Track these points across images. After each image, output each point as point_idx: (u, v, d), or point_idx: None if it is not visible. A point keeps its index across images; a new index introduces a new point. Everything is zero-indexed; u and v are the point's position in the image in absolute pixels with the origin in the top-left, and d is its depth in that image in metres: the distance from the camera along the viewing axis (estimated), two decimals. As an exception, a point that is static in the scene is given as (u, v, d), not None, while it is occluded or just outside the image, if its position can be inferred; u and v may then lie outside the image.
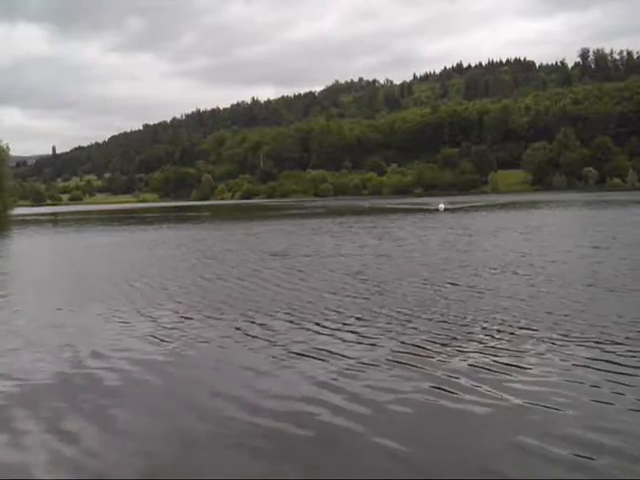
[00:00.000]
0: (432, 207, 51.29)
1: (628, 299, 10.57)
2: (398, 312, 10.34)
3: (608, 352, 7.47)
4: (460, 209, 50.36)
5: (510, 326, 9.08)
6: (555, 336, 8.34)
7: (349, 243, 23.32)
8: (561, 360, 7.29)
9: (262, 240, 26.89)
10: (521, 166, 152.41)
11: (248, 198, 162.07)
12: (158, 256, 21.75)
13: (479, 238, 23.26)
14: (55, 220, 65.17)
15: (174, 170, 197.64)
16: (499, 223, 32.23)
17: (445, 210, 47.87)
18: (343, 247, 21.75)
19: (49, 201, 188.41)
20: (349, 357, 7.73)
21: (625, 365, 6.98)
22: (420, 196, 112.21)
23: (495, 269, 14.80)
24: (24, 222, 60.61)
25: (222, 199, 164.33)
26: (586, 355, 7.44)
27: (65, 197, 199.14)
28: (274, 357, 7.96)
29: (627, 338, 8.05)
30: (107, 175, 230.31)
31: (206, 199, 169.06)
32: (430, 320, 9.65)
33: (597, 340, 8.04)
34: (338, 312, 10.56)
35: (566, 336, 8.31)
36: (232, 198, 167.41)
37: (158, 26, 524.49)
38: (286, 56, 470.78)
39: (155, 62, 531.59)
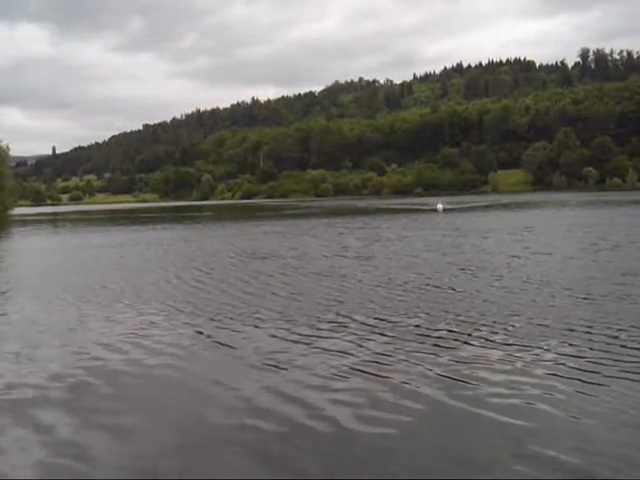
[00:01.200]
0: (431, 207, 51.03)
1: (591, 305, 10.37)
2: (362, 316, 10.25)
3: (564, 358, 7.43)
4: (459, 209, 50.15)
5: (459, 326, 9.22)
6: (491, 337, 8.47)
7: (334, 244, 23.25)
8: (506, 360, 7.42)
9: (249, 241, 26.94)
10: (521, 166, 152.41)
11: (248, 198, 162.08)
12: (142, 257, 21.83)
13: (466, 239, 23.17)
14: (53, 220, 65.25)
15: (174, 170, 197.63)
16: (492, 224, 32.16)
17: (444, 210, 47.58)
18: (325, 249, 21.65)
19: (49, 201, 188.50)
20: (305, 367, 7.56)
21: (590, 371, 6.95)
22: (420, 196, 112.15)
23: (470, 271, 14.68)
24: (23, 222, 60.77)
25: (222, 199, 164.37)
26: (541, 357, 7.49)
27: (65, 197, 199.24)
28: (224, 361, 8.06)
29: (571, 344, 8.01)
30: (107, 175, 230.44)
31: (206, 199, 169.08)
32: (393, 324, 9.57)
33: (545, 344, 8.02)
34: (298, 316, 10.53)
35: (508, 336, 8.48)
36: (232, 198, 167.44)
37: (159, 26, 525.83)
38: (287, 56, 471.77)
39: (156, 62, 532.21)
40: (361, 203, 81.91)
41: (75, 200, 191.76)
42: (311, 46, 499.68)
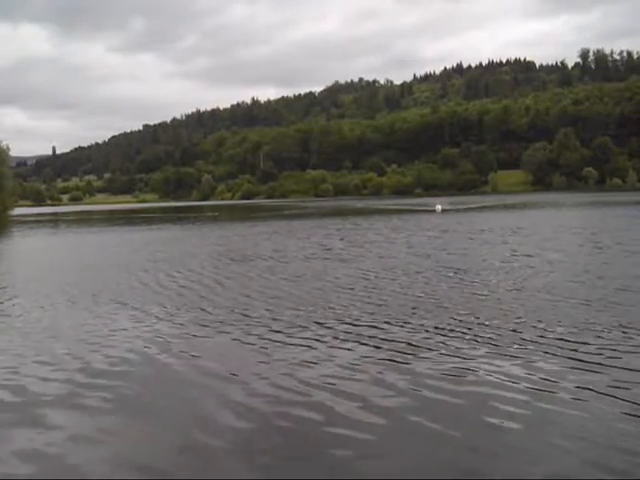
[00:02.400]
0: (429, 208, 50.80)
1: (558, 309, 10.25)
2: (324, 319, 10.33)
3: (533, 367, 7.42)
4: (457, 210, 49.84)
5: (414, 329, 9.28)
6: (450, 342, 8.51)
7: (317, 246, 23.23)
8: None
9: (235, 242, 27.06)
10: (521, 166, 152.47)
11: (248, 198, 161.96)
12: (125, 258, 22.07)
13: (453, 241, 23.20)
14: (49, 221, 65.23)
15: (174, 170, 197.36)
16: (484, 225, 32.11)
17: (442, 211, 47.25)
18: (307, 250, 21.63)
19: (49, 201, 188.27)
20: (260, 373, 7.60)
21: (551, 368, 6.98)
22: (420, 196, 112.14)
23: (446, 274, 14.66)
24: (22, 223, 60.93)
25: (222, 199, 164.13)
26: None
27: (65, 197, 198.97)
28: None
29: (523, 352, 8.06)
30: (107, 175, 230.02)
31: (206, 199, 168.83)
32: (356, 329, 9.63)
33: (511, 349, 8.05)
34: (264, 319, 10.62)
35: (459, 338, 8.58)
36: (232, 198, 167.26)
37: (160, 27, 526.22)
38: (287, 57, 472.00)
39: (156, 62, 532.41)
40: (358, 204, 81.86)
41: (75, 200, 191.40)
42: (311, 46, 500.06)
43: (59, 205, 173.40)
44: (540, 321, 9.40)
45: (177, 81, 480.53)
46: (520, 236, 24.12)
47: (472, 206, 56.30)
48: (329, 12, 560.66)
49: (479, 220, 37.10)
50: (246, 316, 10.84)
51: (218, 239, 29.48)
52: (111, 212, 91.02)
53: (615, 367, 7.06)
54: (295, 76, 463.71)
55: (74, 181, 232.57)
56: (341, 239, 26.06)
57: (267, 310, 11.26)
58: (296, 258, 19.36)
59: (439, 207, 48.89)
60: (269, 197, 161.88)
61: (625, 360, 7.27)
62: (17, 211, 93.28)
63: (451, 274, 14.59)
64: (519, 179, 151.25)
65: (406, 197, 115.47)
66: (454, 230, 29.02)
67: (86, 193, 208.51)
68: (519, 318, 9.68)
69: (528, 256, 17.30)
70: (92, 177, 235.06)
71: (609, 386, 6.48)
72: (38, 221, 63.13)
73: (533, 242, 21.48)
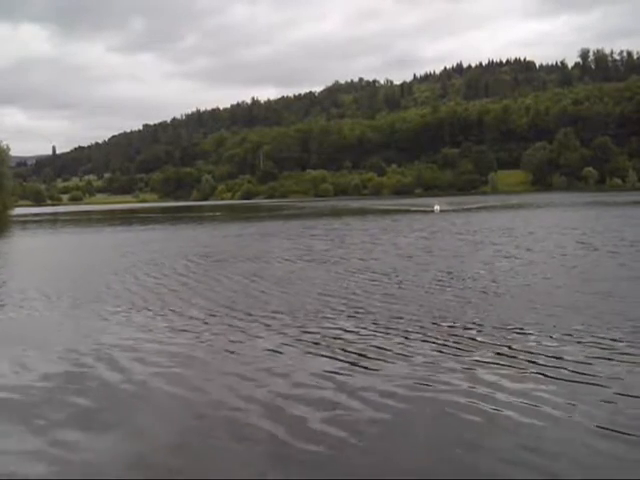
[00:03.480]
0: (427, 209, 50.63)
1: (534, 314, 10.00)
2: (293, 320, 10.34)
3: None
4: (455, 211, 49.58)
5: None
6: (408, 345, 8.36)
7: (302, 248, 23.09)
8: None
9: (220, 244, 27.08)
10: (521, 166, 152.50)
11: (248, 198, 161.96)
12: (111, 259, 22.31)
13: (438, 242, 23.09)
14: (48, 220, 65.43)
15: (174, 170, 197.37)
16: (477, 225, 31.96)
17: (441, 211, 46.95)
18: (290, 252, 21.48)
19: (49, 201, 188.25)
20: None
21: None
22: (420, 196, 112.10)
23: (421, 276, 14.52)
24: (21, 222, 61.17)
25: (222, 199, 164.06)
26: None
27: (65, 197, 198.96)
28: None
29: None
30: (107, 175, 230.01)
31: (206, 199, 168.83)
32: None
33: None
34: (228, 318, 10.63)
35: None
36: (232, 198, 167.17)
37: (160, 27, 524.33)
38: (287, 57, 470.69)
39: (157, 62, 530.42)
40: (355, 204, 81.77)
41: (75, 200, 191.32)
42: (312, 46, 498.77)
43: (59, 205, 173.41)
44: (502, 324, 9.27)
45: (177, 81, 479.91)
46: (509, 237, 23.97)
47: (471, 206, 55.96)
48: (330, 12, 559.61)
49: (474, 220, 36.95)
50: (212, 316, 10.80)
51: (205, 239, 29.63)
52: (108, 212, 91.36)
53: (588, 375, 6.95)
54: (295, 76, 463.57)
55: (74, 181, 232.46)
56: (329, 240, 25.94)
57: (231, 313, 11.17)
58: (276, 260, 19.19)
59: (437, 207, 48.54)
60: (269, 197, 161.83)
61: (600, 369, 7.15)
62: (17, 211, 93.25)
63: (429, 276, 14.42)
64: (519, 179, 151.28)
65: (406, 197, 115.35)
66: (445, 231, 28.89)
67: (86, 193, 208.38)
68: (482, 321, 9.57)
69: (511, 257, 17.11)
70: (92, 177, 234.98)
71: (583, 396, 6.36)
72: (36, 221, 63.32)
73: (520, 243, 21.33)
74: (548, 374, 6.92)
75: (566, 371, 6.99)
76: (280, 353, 8.33)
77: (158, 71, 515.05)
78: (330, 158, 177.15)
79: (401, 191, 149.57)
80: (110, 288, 14.74)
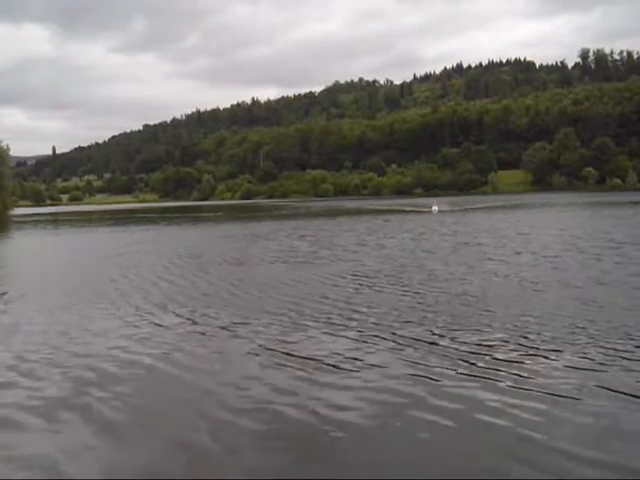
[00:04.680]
0: (424, 209, 50.29)
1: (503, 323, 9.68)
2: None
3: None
4: (452, 211, 49.18)
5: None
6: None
7: (286, 249, 22.90)
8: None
9: (205, 245, 27.07)
10: (521, 166, 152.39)
11: (248, 198, 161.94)
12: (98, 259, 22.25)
13: (423, 243, 22.90)
14: (46, 221, 65.34)
15: (174, 170, 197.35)
16: (469, 226, 31.60)
17: (439, 212, 46.52)
18: (272, 253, 21.27)
19: (49, 201, 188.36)
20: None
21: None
22: (420, 196, 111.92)
23: (396, 279, 14.34)
24: (19, 222, 61.30)
25: (222, 199, 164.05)
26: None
27: (65, 197, 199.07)
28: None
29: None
30: (107, 175, 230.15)
31: (206, 199, 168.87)
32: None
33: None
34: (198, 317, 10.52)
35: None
36: (232, 198, 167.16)
37: (161, 27, 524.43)
38: (288, 57, 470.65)
39: (157, 63, 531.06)
40: (352, 204, 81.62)
41: (75, 200, 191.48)
42: (312, 47, 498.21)
43: (59, 205, 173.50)
44: (459, 328, 9.16)
45: (178, 81, 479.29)
46: (498, 238, 23.74)
47: (470, 207, 55.39)
48: (331, 12, 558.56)
49: (467, 221, 36.57)
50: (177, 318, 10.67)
51: (194, 241, 29.72)
52: (106, 212, 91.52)
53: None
54: (295, 76, 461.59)
55: (74, 181, 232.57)
56: (314, 242, 25.77)
57: (198, 313, 11.07)
58: (256, 262, 19.00)
59: (435, 208, 48.02)
60: (269, 197, 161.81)
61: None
62: (17, 211, 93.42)
63: (404, 278, 14.27)
64: (519, 179, 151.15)
65: (405, 197, 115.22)
66: (434, 232, 28.68)
67: (86, 193, 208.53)
68: (436, 325, 9.47)
69: (492, 260, 16.89)
70: (92, 177, 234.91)
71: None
72: (33, 221, 63.30)
73: (506, 244, 21.13)
74: (509, 383, 6.83)
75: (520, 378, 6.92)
76: (230, 358, 8.25)
77: (159, 71, 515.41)
78: (330, 158, 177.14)
79: (401, 191, 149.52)
80: (84, 287, 14.80)
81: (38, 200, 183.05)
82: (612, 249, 18.29)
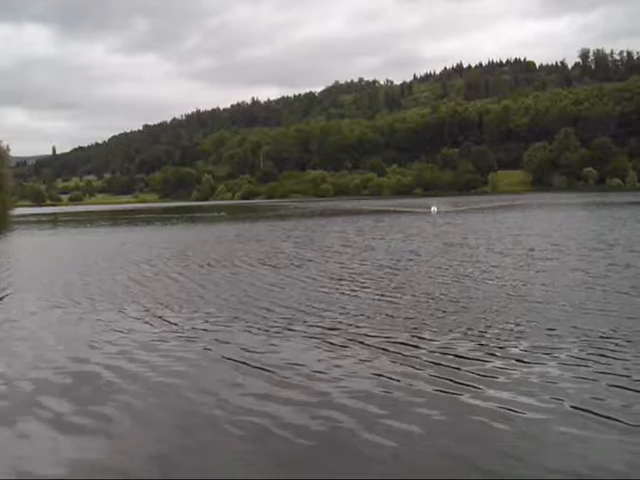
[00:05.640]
0: (422, 210, 49.73)
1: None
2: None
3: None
4: (452, 212, 48.57)
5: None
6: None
7: (269, 250, 22.58)
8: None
9: (192, 245, 26.82)
10: (521, 166, 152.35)
11: (248, 198, 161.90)
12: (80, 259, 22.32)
13: (406, 245, 22.61)
14: (45, 221, 65.44)
15: (174, 170, 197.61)
16: (458, 227, 31.31)
17: (438, 212, 45.90)
18: (255, 255, 20.96)
19: (49, 201, 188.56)
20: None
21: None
22: (420, 196, 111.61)
23: (374, 281, 14.10)
24: (19, 222, 61.28)
25: (222, 200, 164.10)
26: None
27: (65, 197, 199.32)
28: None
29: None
30: (107, 175, 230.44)
31: (206, 199, 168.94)
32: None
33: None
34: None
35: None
36: (232, 198, 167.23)
37: (162, 27, 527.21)
38: (289, 57, 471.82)
39: (158, 63, 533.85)
40: (349, 205, 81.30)
41: (75, 201, 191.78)
42: (313, 47, 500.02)
43: (59, 205, 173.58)
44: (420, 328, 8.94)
45: (178, 81, 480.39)
46: (485, 239, 23.39)
47: (469, 207, 54.83)
48: (331, 13, 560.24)
49: (461, 222, 36.14)
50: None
51: (180, 241, 29.67)
52: (105, 212, 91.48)
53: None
54: (296, 76, 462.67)
55: (74, 181, 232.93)
56: (300, 243, 25.48)
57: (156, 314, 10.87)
58: (236, 263, 18.73)
59: (434, 209, 47.22)
60: (269, 197, 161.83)
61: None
62: (17, 211, 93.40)
63: (382, 281, 14.01)
64: (519, 179, 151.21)
65: (405, 197, 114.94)
66: (423, 233, 28.36)
67: (86, 193, 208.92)
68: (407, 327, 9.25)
69: (476, 262, 16.59)
70: (92, 177, 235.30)
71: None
72: (31, 221, 63.38)
73: (492, 245, 20.78)
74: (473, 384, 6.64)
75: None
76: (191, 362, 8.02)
77: (159, 71, 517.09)
78: (330, 158, 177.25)
79: (401, 191, 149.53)
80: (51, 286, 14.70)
81: (38, 200, 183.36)
82: (599, 251, 18.04)
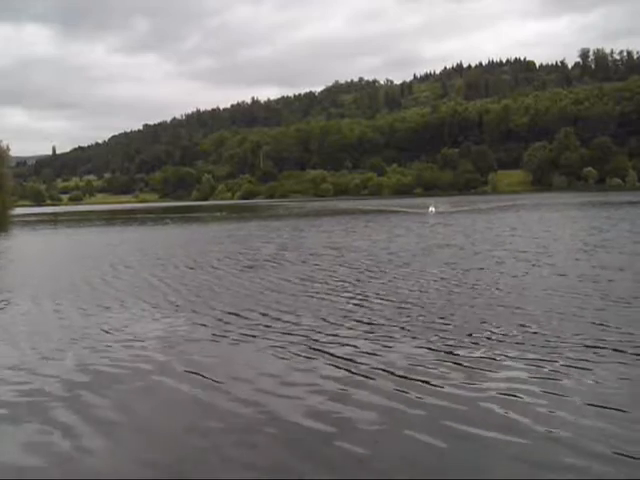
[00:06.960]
0: (421, 210, 49.41)
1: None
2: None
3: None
4: (451, 212, 48.10)
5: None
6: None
7: (249, 251, 22.31)
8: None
9: (177, 245, 26.79)
10: (521, 166, 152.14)
11: (248, 198, 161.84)
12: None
13: (390, 244, 22.43)
14: (44, 221, 65.49)
15: (174, 170, 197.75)
16: (450, 227, 31.04)
17: (436, 213, 45.28)
18: (234, 256, 20.70)
19: (49, 201, 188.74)
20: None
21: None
22: (420, 196, 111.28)
23: (351, 285, 13.82)
24: (18, 222, 61.25)
25: (222, 199, 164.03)
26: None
27: (65, 197, 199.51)
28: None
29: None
30: (107, 175, 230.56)
31: (206, 199, 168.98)
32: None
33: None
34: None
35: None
36: (232, 198, 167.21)
37: (162, 27, 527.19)
38: (289, 57, 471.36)
39: (158, 63, 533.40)
40: (345, 204, 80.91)
41: (75, 200, 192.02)
42: (313, 47, 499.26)
43: (59, 205, 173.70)
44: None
45: (178, 81, 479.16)
46: (473, 240, 23.09)
47: (468, 208, 54.20)
48: (331, 13, 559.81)
49: (455, 222, 35.87)
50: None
51: (167, 242, 29.54)
52: (105, 212, 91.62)
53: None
54: (296, 76, 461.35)
55: (74, 181, 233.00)
56: (283, 243, 25.26)
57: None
58: (213, 264, 18.53)
59: (432, 209, 46.53)
60: (269, 197, 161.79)
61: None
62: (17, 211, 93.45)
63: (357, 285, 13.74)
64: (519, 179, 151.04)
65: (405, 197, 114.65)
66: (411, 233, 28.08)
67: (86, 193, 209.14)
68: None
69: (457, 264, 16.28)
70: (92, 177, 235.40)
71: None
72: (30, 221, 63.44)
73: (480, 247, 20.49)
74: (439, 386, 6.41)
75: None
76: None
77: (159, 71, 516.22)
78: (330, 158, 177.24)
79: (401, 191, 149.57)
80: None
81: (38, 200, 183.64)
82: (585, 252, 17.79)
